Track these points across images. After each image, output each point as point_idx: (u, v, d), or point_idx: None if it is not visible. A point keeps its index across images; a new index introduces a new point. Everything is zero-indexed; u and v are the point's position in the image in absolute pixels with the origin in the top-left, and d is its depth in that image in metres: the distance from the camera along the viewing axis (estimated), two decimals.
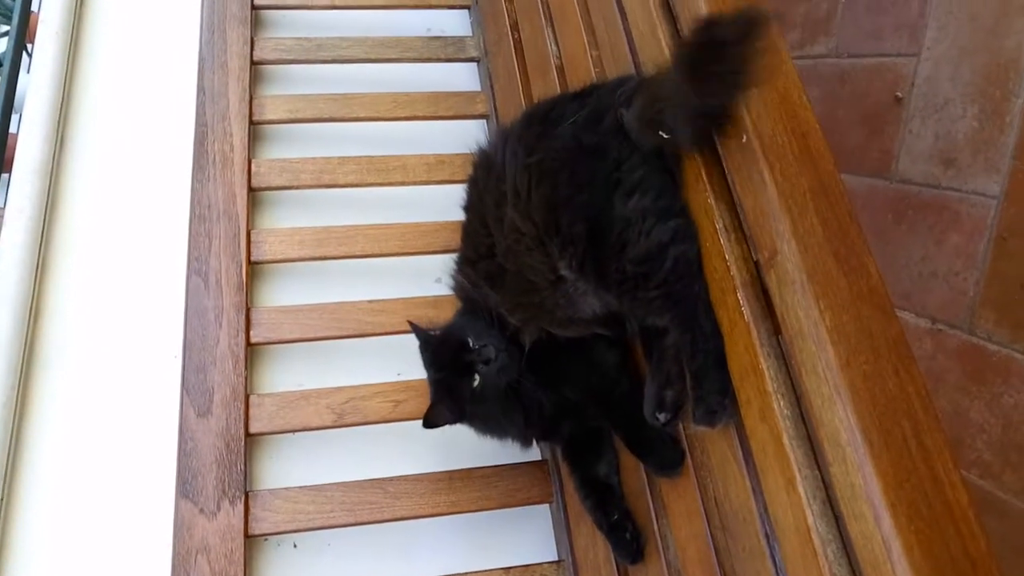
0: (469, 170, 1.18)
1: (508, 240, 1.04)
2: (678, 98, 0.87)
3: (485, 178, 1.11)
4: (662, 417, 0.97)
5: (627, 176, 0.94)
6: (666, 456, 1.03)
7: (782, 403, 0.77)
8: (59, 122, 1.62)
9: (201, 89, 1.64)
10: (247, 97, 1.65)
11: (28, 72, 1.71)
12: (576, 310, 1.03)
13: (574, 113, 1.02)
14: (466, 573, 1.29)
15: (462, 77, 1.87)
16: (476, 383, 1.12)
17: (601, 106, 1.01)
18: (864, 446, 0.64)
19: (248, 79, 1.67)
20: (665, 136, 0.91)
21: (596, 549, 1.20)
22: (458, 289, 1.21)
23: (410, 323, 1.24)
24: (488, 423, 1.21)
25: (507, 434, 1.21)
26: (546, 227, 0.97)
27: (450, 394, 1.15)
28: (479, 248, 1.12)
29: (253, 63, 1.71)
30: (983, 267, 1.54)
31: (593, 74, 1.25)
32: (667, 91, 0.89)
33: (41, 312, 1.46)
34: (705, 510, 0.92)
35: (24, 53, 1.82)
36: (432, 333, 1.20)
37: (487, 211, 1.09)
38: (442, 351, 1.16)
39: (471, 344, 1.12)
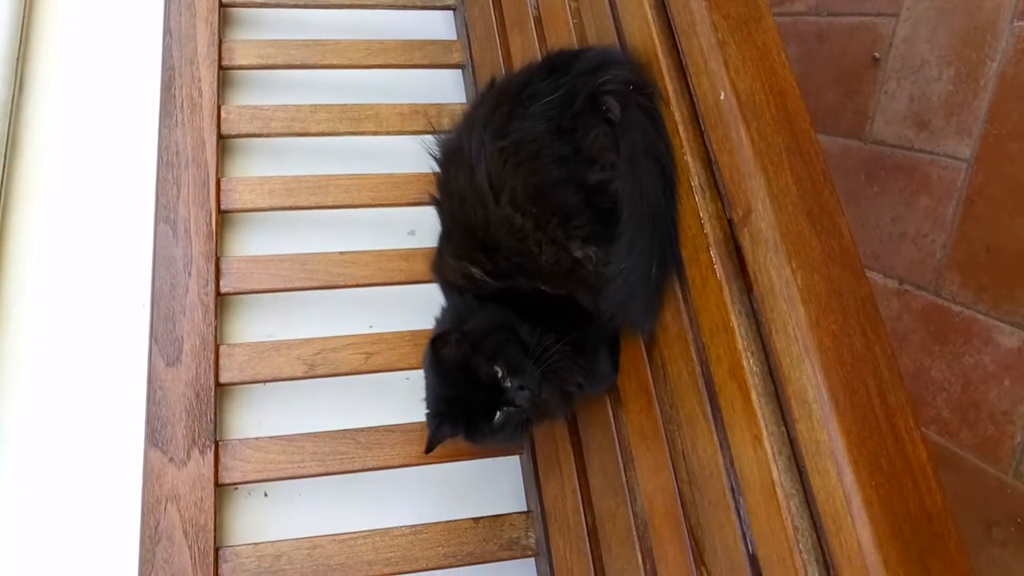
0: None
1: (510, 240, 1.00)
2: None
3: (456, 174, 1.06)
4: None
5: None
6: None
7: (751, 360, 0.78)
8: (17, 62, 1.55)
9: (167, 31, 1.59)
10: (216, 41, 1.60)
11: None
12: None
13: (549, 93, 1.00)
14: (436, 523, 1.31)
15: (438, 25, 1.83)
16: (497, 419, 1.01)
17: (576, 89, 0.99)
18: (830, 404, 0.65)
19: (216, 22, 1.61)
20: None
21: (565, 500, 1.22)
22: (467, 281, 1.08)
23: (436, 339, 1.04)
24: (487, 443, 1.08)
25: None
26: (543, 210, 0.96)
27: (458, 413, 1.04)
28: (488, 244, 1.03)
29: (222, 5, 1.65)
30: (951, 229, 1.56)
31: (571, 25, 1.22)
32: None
33: (4, 261, 1.42)
34: (672, 463, 0.94)
35: None
36: (451, 341, 1.02)
37: (470, 214, 1.03)
38: (464, 375, 1.02)
39: (505, 382, 1.00)
